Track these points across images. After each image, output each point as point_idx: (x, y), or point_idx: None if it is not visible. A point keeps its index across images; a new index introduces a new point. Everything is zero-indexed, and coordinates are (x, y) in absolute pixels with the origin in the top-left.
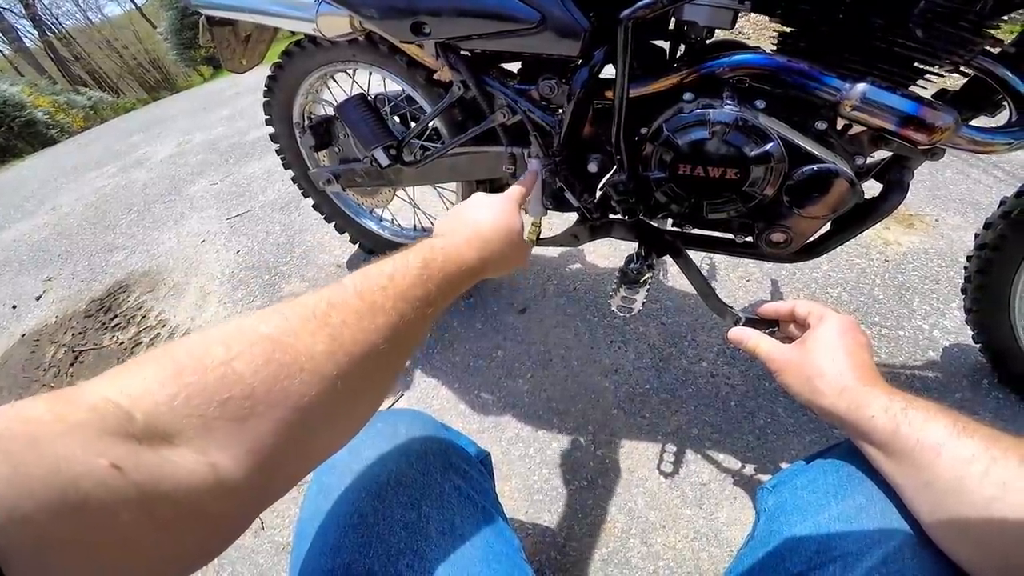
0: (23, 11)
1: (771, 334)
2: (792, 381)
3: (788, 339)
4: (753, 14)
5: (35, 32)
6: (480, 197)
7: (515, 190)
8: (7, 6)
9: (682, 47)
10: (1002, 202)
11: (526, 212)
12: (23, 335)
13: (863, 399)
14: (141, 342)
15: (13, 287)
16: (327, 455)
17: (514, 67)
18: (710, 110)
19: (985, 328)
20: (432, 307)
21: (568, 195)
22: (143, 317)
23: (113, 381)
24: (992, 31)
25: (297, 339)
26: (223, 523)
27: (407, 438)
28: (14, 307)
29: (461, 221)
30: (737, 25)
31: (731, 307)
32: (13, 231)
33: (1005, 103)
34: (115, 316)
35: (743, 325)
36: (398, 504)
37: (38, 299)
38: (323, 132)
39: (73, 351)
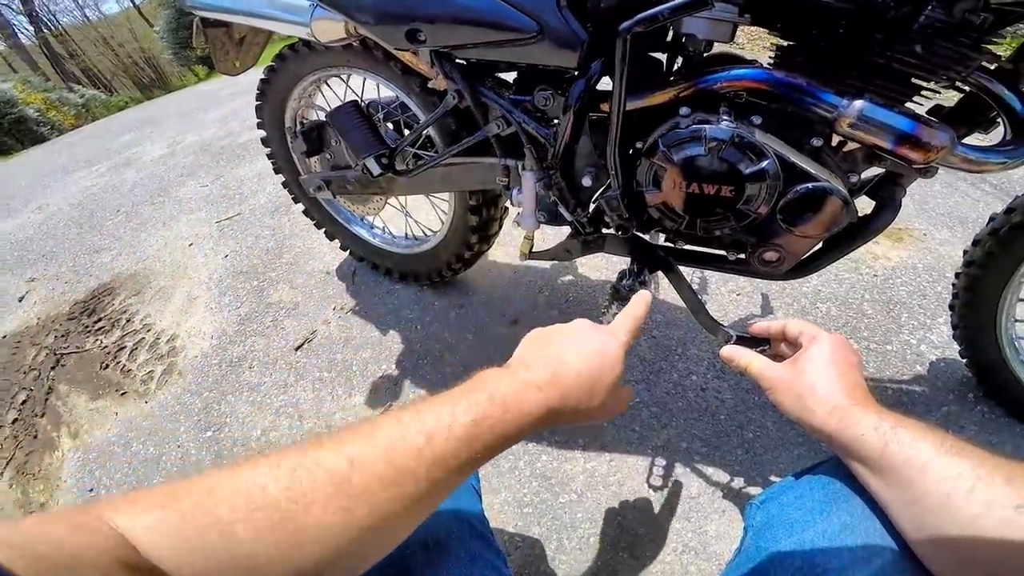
0: (20, 7)
1: (762, 352)
2: (784, 399)
3: (779, 357)
4: (748, 26)
5: (31, 28)
6: (584, 329)
7: (627, 326)
8: (4, 2)
9: (679, 60)
10: (991, 219)
11: (519, 225)
12: (3, 336)
13: (853, 417)
14: (125, 346)
15: None
16: None
17: (509, 76)
18: (706, 126)
19: (972, 343)
20: (476, 464)
21: (561, 209)
22: (128, 321)
23: (128, 513)
24: (990, 47)
25: (307, 510)
26: None
27: None
28: None
29: (547, 355)
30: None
31: (722, 324)
32: None
33: (999, 120)
34: (99, 319)
35: (734, 343)
36: None
37: (20, 300)
38: (315, 138)
39: (55, 354)
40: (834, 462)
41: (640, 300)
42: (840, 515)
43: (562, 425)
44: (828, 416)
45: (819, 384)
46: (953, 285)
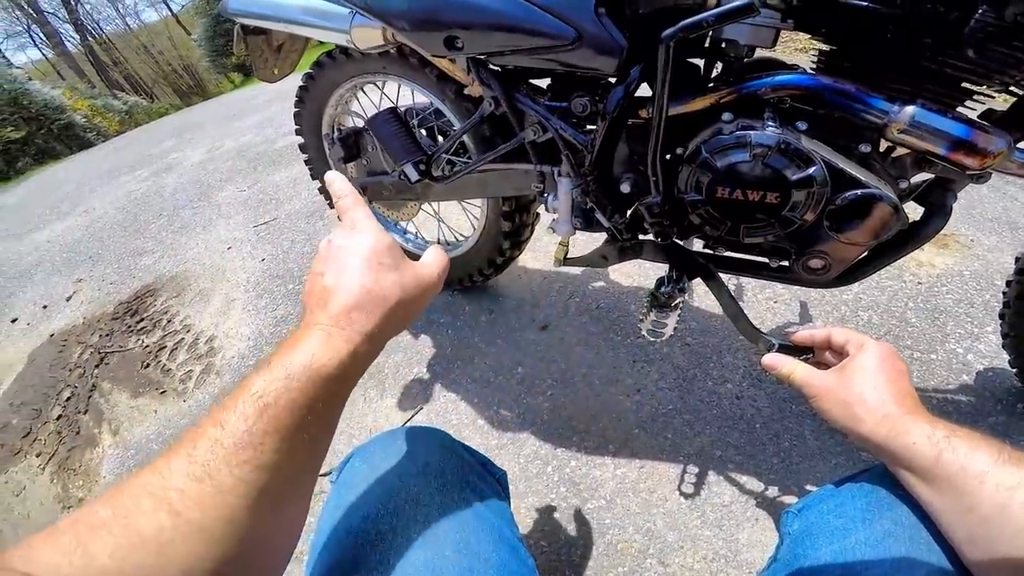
0: (66, 16)
1: (805, 361)
2: (830, 407)
3: (823, 366)
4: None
5: (77, 36)
6: (329, 241)
7: (355, 203)
8: (51, 11)
9: (719, 65)
10: None
11: (553, 231)
12: (52, 335)
13: (905, 426)
14: (165, 346)
15: (45, 287)
16: None
17: (542, 82)
18: (751, 132)
19: (1023, 353)
20: (301, 428)
21: (598, 215)
22: (168, 322)
23: (24, 555)
24: None
25: (136, 521)
26: None
27: (425, 456)
28: (45, 307)
29: (316, 288)
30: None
31: (763, 332)
32: (47, 232)
33: None
34: (141, 320)
35: (777, 351)
36: (415, 522)
37: (68, 300)
38: (352, 144)
39: (99, 353)
40: (877, 471)
41: (331, 180)
42: (883, 523)
43: (397, 328)
44: (877, 424)
45: (868, 392)
46: (1004, 293)
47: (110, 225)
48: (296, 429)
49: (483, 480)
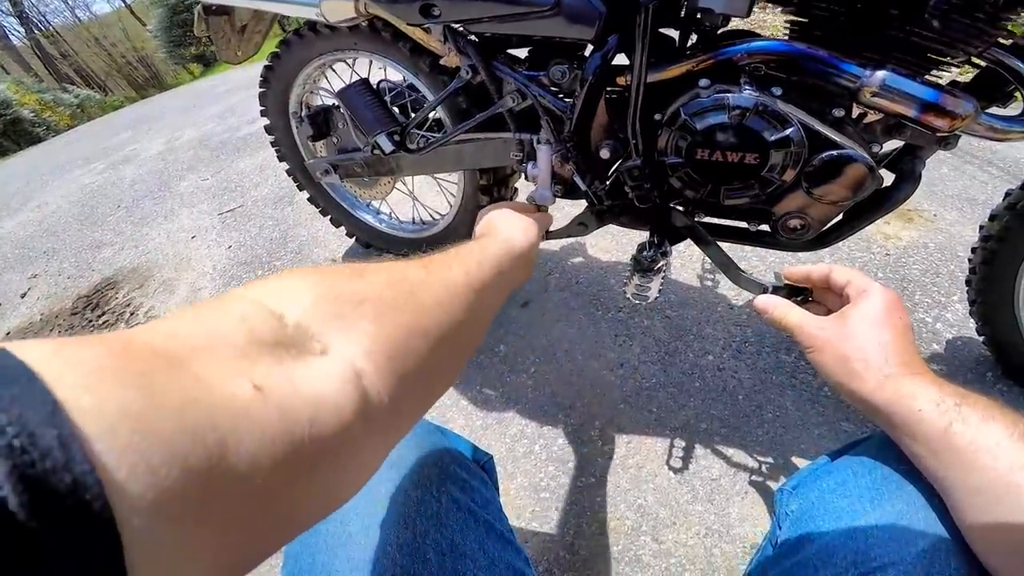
0: (10, 8)
1: (801, 303)
2: (826, 360)
3: (823, 309)
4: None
5: (22, 30)
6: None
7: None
8: None
9: (694, 36)
10: (1007, 194)
11: (533, 201)
12: (7, 333)
13: (910, 389)
14: None
15: None
16: (444, 382)
17: (520, 53)
18: (729, 94)
19: (989, 320)
20: (495, 291)
21: (578, 181)
22: (132, 314)
23: (264, 287)
24: (1007, 23)
25: (403, 269)
26: (361, 455)
27: (400, 448)
28: None
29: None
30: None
31: (754, 277)
32: None
33: (1018, 94)
34: (103, 313)
35: (770, 293)
36: (391, 524)
37: (23, 296)
38: (321, 121)
39: None
40: (876, 442)
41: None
42: (894, 503)
43: (516, 247)
44: (879, 385)
45: (870, 347)
46: (969, 260)
47: (65, 219)
48: (497, 288)
49: (466, 469)
